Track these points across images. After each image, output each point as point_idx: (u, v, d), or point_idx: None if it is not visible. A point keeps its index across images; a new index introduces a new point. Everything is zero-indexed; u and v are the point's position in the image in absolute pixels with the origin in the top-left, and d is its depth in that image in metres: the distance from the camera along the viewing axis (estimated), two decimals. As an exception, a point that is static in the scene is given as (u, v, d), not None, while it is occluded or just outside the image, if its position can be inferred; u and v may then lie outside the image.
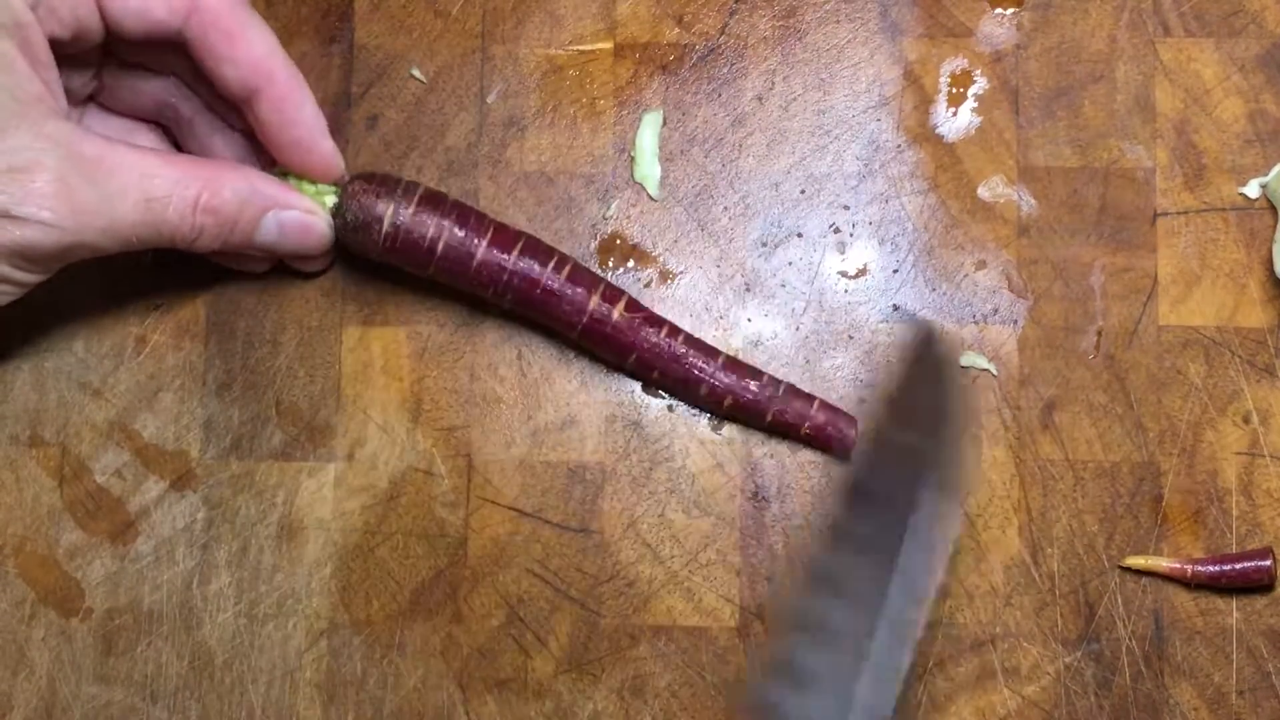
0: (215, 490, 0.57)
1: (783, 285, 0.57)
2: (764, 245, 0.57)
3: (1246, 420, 0.55)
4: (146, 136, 0.56)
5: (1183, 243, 0.56)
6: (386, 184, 0.54)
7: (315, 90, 0.54)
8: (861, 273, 0.57)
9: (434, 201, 0.54)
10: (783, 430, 0.55)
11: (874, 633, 0.45)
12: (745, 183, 0.57)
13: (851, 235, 0.57)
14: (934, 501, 0.46)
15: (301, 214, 0.54)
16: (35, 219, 0.49)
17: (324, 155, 0.54)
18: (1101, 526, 0.55)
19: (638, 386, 0.57)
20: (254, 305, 0.58)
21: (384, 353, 0.57)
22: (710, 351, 0.55)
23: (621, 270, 0.57)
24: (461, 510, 0.56)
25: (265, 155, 0.56)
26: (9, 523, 0.57)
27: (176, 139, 0.57)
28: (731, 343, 0.56)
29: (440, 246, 0.53)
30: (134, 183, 0.50)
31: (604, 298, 0.54)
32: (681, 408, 0.56)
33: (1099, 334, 0.56)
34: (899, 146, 0.57)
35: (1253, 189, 0.56)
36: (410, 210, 0.53)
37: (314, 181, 0.55)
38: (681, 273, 0.57)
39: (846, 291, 0.57)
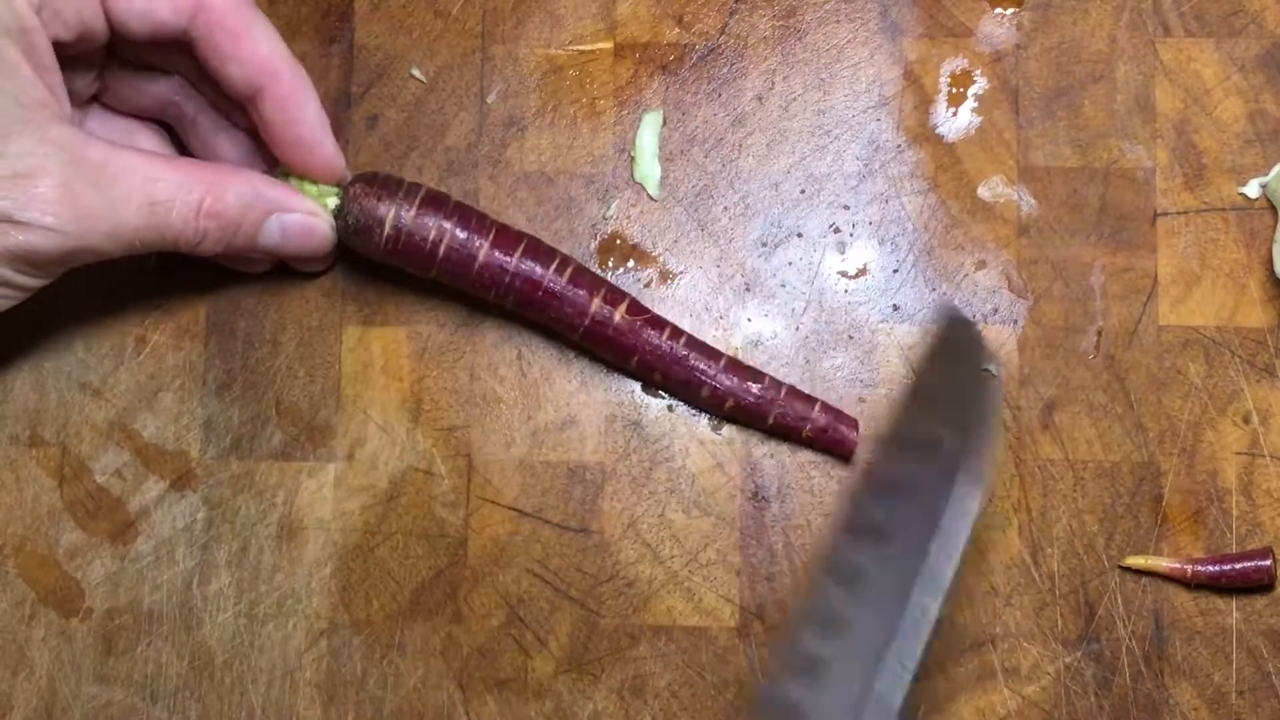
0: (215, 490, 0.57)
1: (783, 285, 0.57)
2: (764, 245, 0.57)
3: (1246, 420, 0.55)
4: (149, 136, 0.56)
5: (1183, 243, 0.56)
6: (388, 186, 0.54)
7: (315, 90, 0.54)
8: (861, 273, 0.57)
9: (436, 203, 0.54)
10: (784, 432, 0.55)
11: (893, 626, 0.45)
12: (745, 183, 0.57)
13: (851, 235, 0.57)
14: (960, 493, 0.45)
15: (304, 217, 0.54)
16: (39, 224, 0.49)
17: (326, 154, 0.54)
18: (1101, 526, 0.55)
19: (638, 386, 0.57)
20: (254, 305, 0.58)
21: (384, 353, 0.57)
22: (712, 354, 0.55)
23: (621, 270, 0.57)
24: (461, 510, 0.56)
25: (269, 155, 0.56)
26: (9, 523, 0.57)
27: (180, 138, 0.57)
28: (731, 343, 0.56)
29: (442, 249, 0.53)
30: (137, 187, 0.50)
31: (606, 300, 0.54)
32: (681, 408, 0.56)
33: (1099, 334, 0.56)
34: (899, 146, 0.57)
35: (1253, 189, 0.56)
36: (412, 212, 0.53)
37: (316, 182, 0.55)
38: (681, 273, 0.57)
39: (846, 291, 0.57)
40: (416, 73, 0.58)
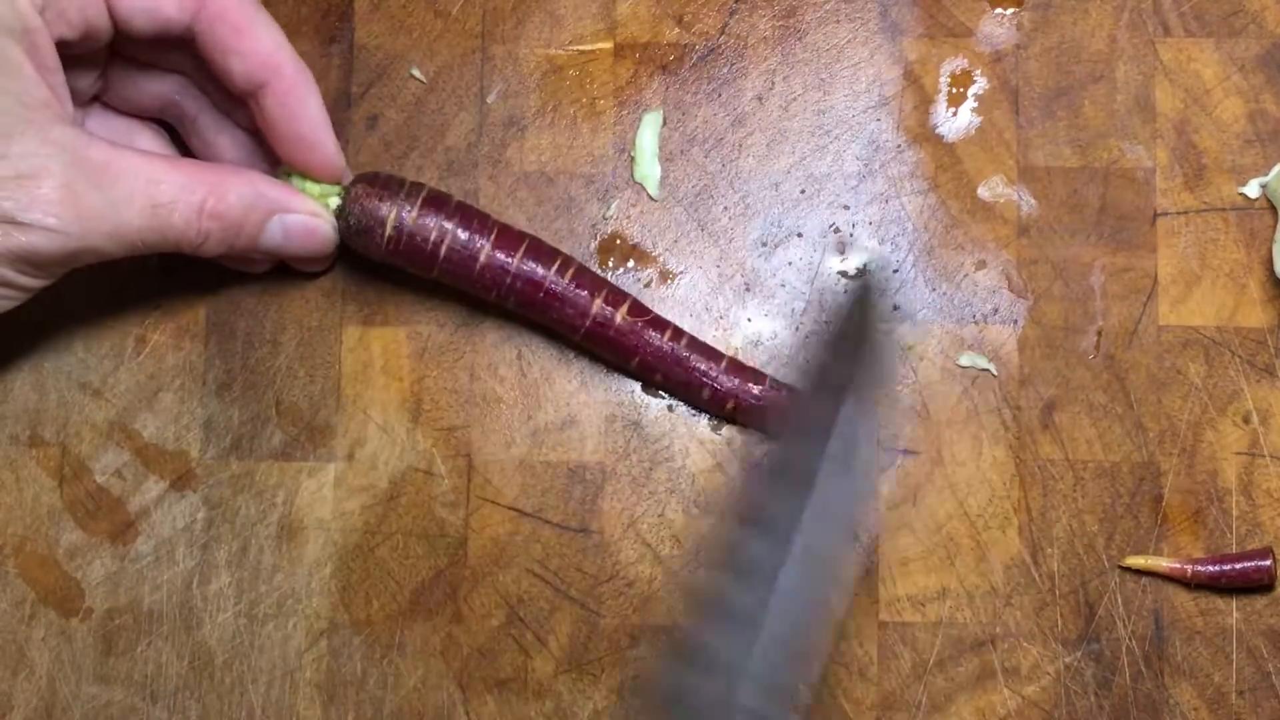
0: (215, 490, 0.57)
1: (783, 285, 0.57)
2: (764, 245, 0.57)
3: (1246, 420, 0.55)
4: (150, 137, 0.56)
5: (1183, 243, 0.56)
6: (389, 186, 0.54)
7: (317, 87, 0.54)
8: (861, 273, 0.57)
9: (437, 204, 0.54)
10: (783, 430, 0.55)
11: (789, 561, 0.44)
12: (745, 183, 0.57)
13: (851, 235, 0.57)
14: (853, 426, 0.45)
15: (306, 217, 0.54)
16: (41, 225, 0.49)
17: (327, 152, 0.54)
18: (1101, 526, 0.55)
19: (638, 386, 0.57)
20: (254, 305, 0.58)
21: (384, 353, 0.57)
22: (713, 355, 0.55)
23: (621, 270, 0.57)
24: (461, 510, 0.56)
25: (270, 155, 0.56)
26: (9, 523, 0.57)
27: (181, 138, 0.57)
28: (731, 343, 0.56)
29: (444, 250, 0.53)
30: (139, 188, 0.50)
31: (607, 301, 0.54)
32: (681, 408, 0.56)
33: (1099, 334, 0.56)
34: (899, 146, 0.57)
35: (1253, 189, 0.56)
36: (413, 213, 0.53)
37: (317, 180, 0.55)
38: (681, 273, 0.57)
39: (846, 291, 0.57)
40: (416, 73, 0.58)
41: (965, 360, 0.56)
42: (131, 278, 0.58)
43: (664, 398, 0.56)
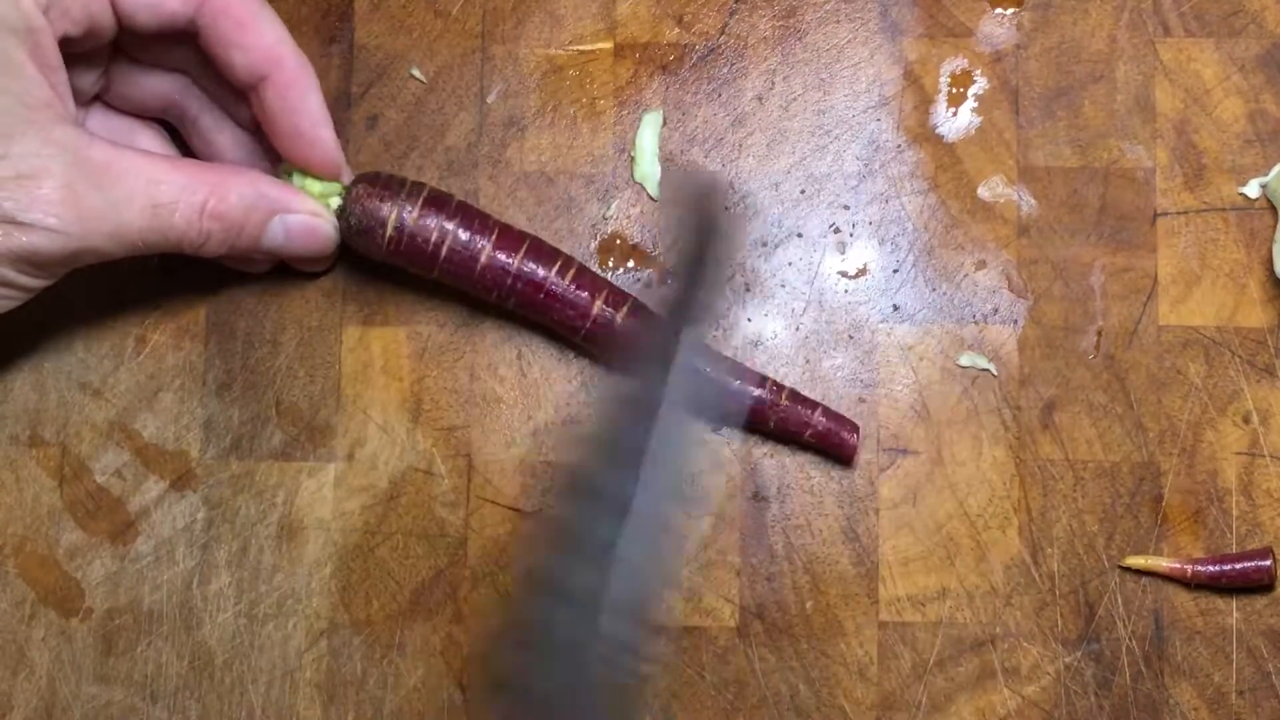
0: (215, 490, 0.57)
1: (783, 285, 0.57)
2: (764, 245, 0.57)
3: (1246, 420, 0.55)
4: (150, 136, 0.56)
5: (1183, 243, 0.56)
6: (390, 186, 0.54)
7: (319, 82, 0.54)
8: (861, 273, 0.57)
9: (438, 204, 0.54)
10: (785, 436, 0.55)
11: (636, 485, 0.44)
12: (745, 183, 0.57)
13: (851, 235, 0.57)
14: (687, 345, 0.45)
15: (308, 217, 0.54)
16: (41, 225, 0.49)
17: (326, 146, 0.54)
18: (1101, 526, 0.55)
19: (638, 386, 0.57)
20: (254, 305, 0.58)
21: (384, 353, 0.57)
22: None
23: (621, 270, 0.57)
24: (461, 510, 0.56)
25: (271, 155, 0.56)
26: (9, 523, 0.57)
27: (183, 137, 0.57)
28: (731, 343, 0.56)
29: (444, 250, 0.53)
30: (140, 189, 0.50)
31: (608, 302, 0.54)
32: (681, 408, 0.56)
33: (1099, 334, 0.56)
34: (899, 146, 0.57)
35: (1253, 189, 0.56)
36: (414, 213, 0.53)
37: (317, 177, 0.55)
38: (681, 273, 0.57)
39: (846, 291, 0.57)
40: (416, 73, 0.58)
41: (965, 360, 0.56)
42: (131, 278, 0.58)
43: (664, 398, 0.56)
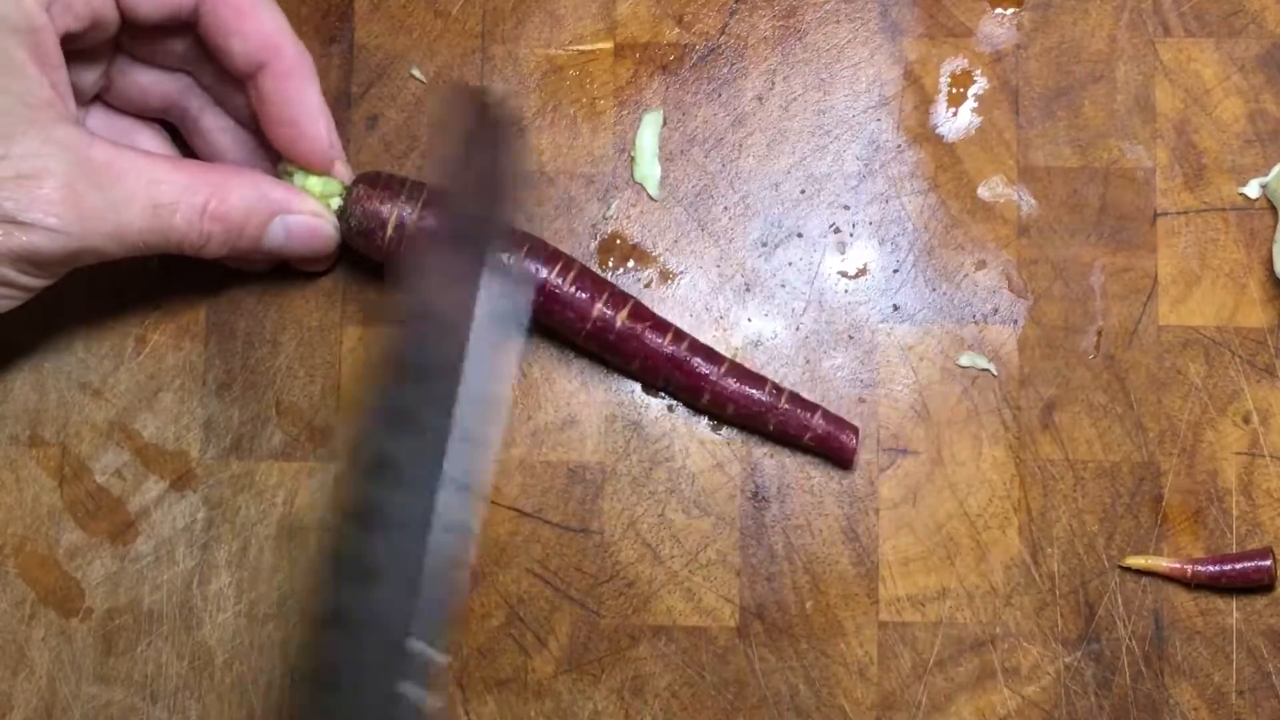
0: (215, 490, 0.57)
1: (783, 285, 0.57)
2: (764, 245, 0.57)
3: (1246, 420, 0.55)
4: (151, 136, 0.56)
5: (1183, 243, 0.56)
6: (391, 187, 0.54)
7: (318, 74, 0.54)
8: (861, 273, 0.57)
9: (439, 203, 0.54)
10: (785, 438, 0.55)
11: (453, 407, 0.44)
12: (745, 183, 0.57)
13: (851, 235, 0.57)
14: (494, 269, 0.45)
15: (309, 218, 0.54)
16: (42, 225, 0.49)
17: (320, 137, 0.54)
18: (1101, 526, 0.55)
19: (638, 386, 0.57)
20: (254, 305, 0.58)
21: (384, 353, 0.57)
22: (714, 358, 0.55)
23: (621, 270, 0.57)
24: (461, 510, 0.56)
25: (272, 155, 0.56)
26: (9, 523, 0.57)
27: (183, 137, 0.57)
28: (732, 343, 0.56)
29: (441, 247, 0.53)
30: (141, 189, 0.50)
31: (608, 304, 0.54)
32: (681, 408, 0.56)
33: (1099, 334, 0.56)
34: (899, 146, 0.57)
35: (1253, 189, 0.56)
36: (415, 214, 0.53)
37: (313, 173, 0.55)
38: (681, 273, 0.57)
39: (846, 291, 0.57)
40: (416, 73, 0.58)
41: (965, 360, 0.56)
42: (131, 278, 0.58)
43: (664, 398, 0.56)
